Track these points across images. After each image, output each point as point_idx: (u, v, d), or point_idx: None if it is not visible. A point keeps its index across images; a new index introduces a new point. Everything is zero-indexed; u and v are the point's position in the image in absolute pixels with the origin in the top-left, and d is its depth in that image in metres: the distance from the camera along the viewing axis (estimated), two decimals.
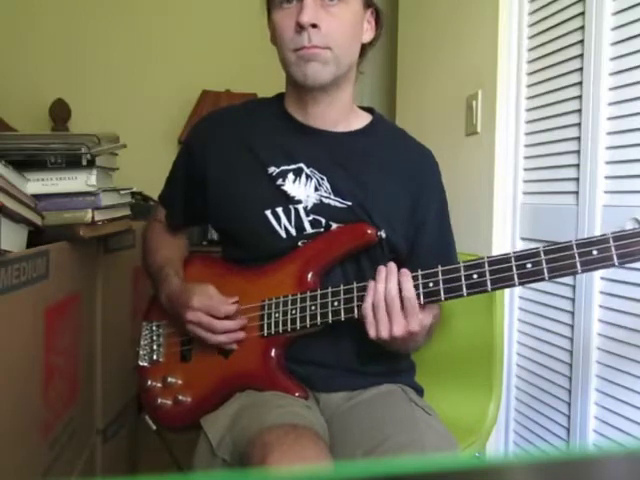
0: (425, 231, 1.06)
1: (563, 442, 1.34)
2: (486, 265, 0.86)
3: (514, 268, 0.84)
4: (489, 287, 0.86)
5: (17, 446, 0.96)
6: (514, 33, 1.52)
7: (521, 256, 0.84)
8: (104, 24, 2.77)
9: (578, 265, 0.81)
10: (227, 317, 1.01)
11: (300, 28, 0.94)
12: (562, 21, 1.35)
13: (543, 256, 0.83)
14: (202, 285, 1.03)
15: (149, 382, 1.12)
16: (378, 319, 0.89)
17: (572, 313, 1.32)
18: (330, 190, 1.02)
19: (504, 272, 0.85)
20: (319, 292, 0.97)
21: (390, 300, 0.89)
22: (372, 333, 0.90)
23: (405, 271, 0.90)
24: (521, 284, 0.85)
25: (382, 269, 0.91)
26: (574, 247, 0.81)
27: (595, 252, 0.80)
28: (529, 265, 0.84)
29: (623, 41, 1.18)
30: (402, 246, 1.04)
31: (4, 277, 0.87)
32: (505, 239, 1.54)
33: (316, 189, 1.02)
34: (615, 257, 0.79)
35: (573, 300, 1.31)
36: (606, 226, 1.21)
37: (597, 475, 0.26)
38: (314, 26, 0.94)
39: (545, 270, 0.83)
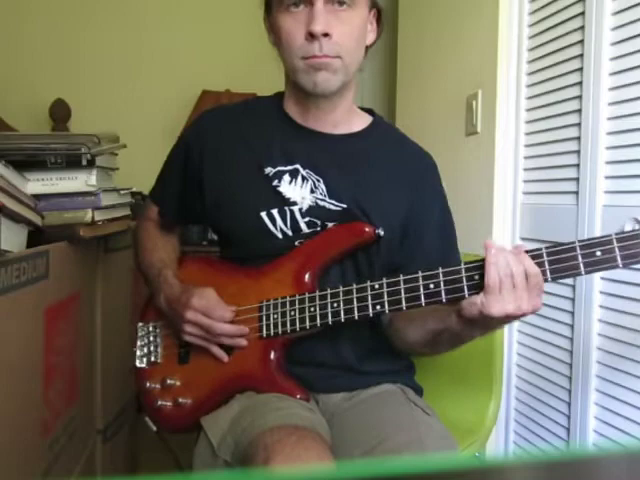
0: (425, 233, 1.05)
1: (563, 442, 1.34)
2: None
3: None
4: None
5: (17, 446, 0.96)
6: (514, 33, 1.52)
7: None
8: (104, 24, 2.77)
9: (582, 266, 0.80)
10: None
11: (311, 37, 0.92)
12: (562, 21, 1.35)
13: (546, 257, 0.82)
14: (202, 287, 1.03)
15: (148, 384, 1.11)
16: (503, 295, 0.82)
17: (572, 313, 1.31)
18: (326, 192, 1.01)
19: None
20: (318, 293, 0.96)
21: (517, 275, 0.82)
22: (496, 310, 0.81)
23: (520, 248, 0.84)
24: None
25: (490, 243, 0.83)
26: (577, 248, 0.81)
27: (599, 253, 0.80)
28: None
29: (623, 41, 1.18)
30: (400, 248, 1.04)
31: (4, 277, 0.87)
32: (505, 239, 1.54)
33: (312, 191, 1.01)
34: (619, 258, 0.79)
35: (573, 300, 1.31)
36: (606, 226, 1.21)
37: (597, 475, 0.26)
38: (325, 35, 0.92)
39: (548, 272, 0.82)
